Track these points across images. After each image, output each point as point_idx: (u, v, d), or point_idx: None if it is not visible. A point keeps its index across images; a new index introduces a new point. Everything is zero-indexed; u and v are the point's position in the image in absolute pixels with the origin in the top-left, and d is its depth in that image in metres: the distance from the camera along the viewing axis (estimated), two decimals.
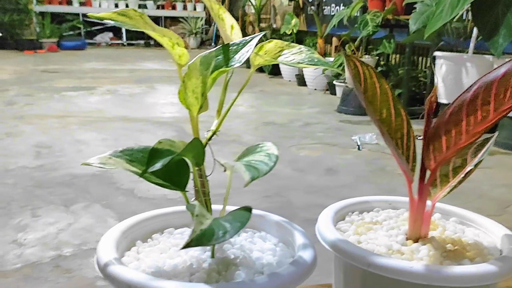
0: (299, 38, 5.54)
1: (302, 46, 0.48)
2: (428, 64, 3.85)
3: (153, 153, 0.41)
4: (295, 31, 5.29)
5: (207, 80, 0.45)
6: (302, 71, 4.87)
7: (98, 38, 9.90)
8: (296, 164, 2.36)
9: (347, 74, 3.79)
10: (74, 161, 2.30)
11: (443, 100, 3.06)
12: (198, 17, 9.81)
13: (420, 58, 4.16)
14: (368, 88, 0.49)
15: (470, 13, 2.90)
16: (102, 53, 8.32)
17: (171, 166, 0.40)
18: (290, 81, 5.20)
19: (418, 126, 3.32)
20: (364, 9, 3.94)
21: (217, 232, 0.32)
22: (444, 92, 3.03)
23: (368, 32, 3.47)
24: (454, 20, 2.94)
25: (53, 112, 3.41)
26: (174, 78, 5.33)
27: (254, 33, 3.88)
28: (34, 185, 1.94)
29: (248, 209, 0.36)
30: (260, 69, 5.77)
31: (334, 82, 4.28)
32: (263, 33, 0.50)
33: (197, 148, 0.41)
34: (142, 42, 10.01)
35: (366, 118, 3.53)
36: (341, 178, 2.20)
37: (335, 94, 4.33)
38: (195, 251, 0.41)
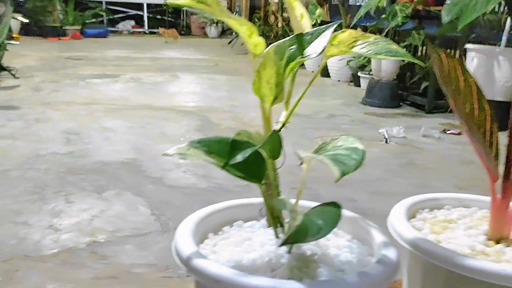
0: None
1: (378, 36, 0.47)
2: (457, 57, 3.77)
3: (234, 145, 0.40)
4: (319, 21, 5.24)
5: (281, 70, 0.44)
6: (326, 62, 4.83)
7: (120, 26, 9.94)
8: None
9: (373, 65, 3.74)
10: (102, 148, 2.32)
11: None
12: (198, 14, 9.75)
13: (448, 51, 4.08)
14: (453, 81, 0.47)
15: (505, 6, 2.83)
16: (124, 41, 8.36)
17: (248, 158, 0.39)
18: (313, 71, 5.16)
19: (446, 120, 3.26)
20: (392, 0, 3.87)
21: (311, 229, 0.31)
22: None
23: (397, 23, 3.41)
24: (488, 12, 2.87)
25: (79, 99, 3.44)
26: (196, 67, 5.33)
27: (277, 24, 3.89)
28: (66, 171, 1.96)
29: (337, 206, 0.35)
30: None
31: (359, 73, 4.23)
32: (338, 21, 0.48)
33: (275, 141, 0.41)
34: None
35: (392, 111, 3.49)
36: (369, 171, 2.18)
37: (359, 86, 4.28)
38: (270, 246, 0.41)
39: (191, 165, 2.10)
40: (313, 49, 0.43)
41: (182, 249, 0.38)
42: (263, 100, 0.45)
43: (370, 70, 4.10)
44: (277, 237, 0.41)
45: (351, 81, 4.46)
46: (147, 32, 10.03)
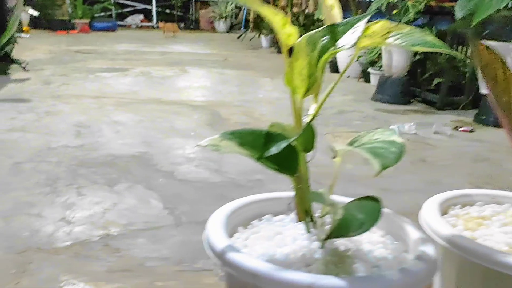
0: None
1: (412, 27, 0.46)
2: (468, 53, 3.73)
3: (268, 137, 0.39)
4: None
5: (313, 61, 0.43)
6: (335, 57, 4.79)
7: (129, 20, 9.94)
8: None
9: (384, 61, 3.71)
10: (113, 141, 2.32)
11: (485, 91, 2.97)
12: (228, 1, 9.73)
13: (459, 47, 4.03)
14: (491, 73, 0.46)
15: None
16: (133, 35, 8.36)
17: (282, 151, 0.38)
18: None
19: (457, 117, 3.24)
20: None
21: (353, 224, 0.30)
22: None
23: (408, 19, 3.38)
24: (502, 8, 2.83)
25: (89, 93, 3.45)
26: (205, 61, 5.32)
27: None
28: (77, 164, 1.96)
29: (376, 200, 0.34)
30: (291, 53, 5.71)
31: (369, 69, 4.20)
32: (372, 12, 0.47)
33: (309, 134, 0.40)
34: None
35: (402, 107, 3.46)
36: None
37: (369, 82, 4.25)
38: (302, 241, 0.40)
39: (202, 159, 2.09)
40: (346, 40, 0.41)
41: (215, 242, 0.37)
42: (295, 92, 0.43)
43: (381, 66, 4.06)
44: (308, 231, 0.40)
45: (361, 77, 4.43)
46: (155, 26, 10.02)
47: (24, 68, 4.13)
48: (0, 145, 2.15)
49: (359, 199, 0.36)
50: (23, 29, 5.86)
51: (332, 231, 0.30)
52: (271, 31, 6.53)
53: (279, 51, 6.29)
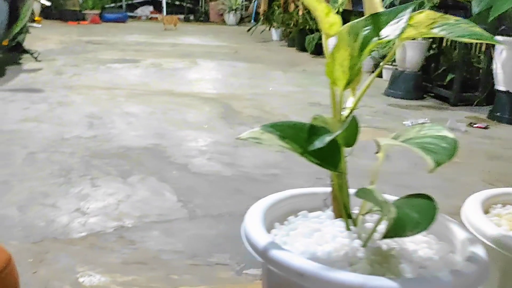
0: (343, 18, 5.39)
1: (459, 18, 0.44)
2: (483, 49, 3.68)
3: (312, 131, 0.38)
4: (341, 10, 5.16)
5: (355, 52, 0.41)
6: None
7: (139, 11, 9.93)
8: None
9: (397, 56, 3.67)
10: (125, 133, 2.32)
11: (501, 87, 2.93)
12: None
13: (474, 42, 3.98)
14: None
15: None
16: (143, 26, 8.35)
17: (324, 145, 0.37)
18: None
19: (471, 113, 3.20)
20: None
21: (408, 223, 0.29)
22: (503, 79, 2.89)
23: None
24: None
25: (100, 84, 3.45)
26: (216, 54, 5.30)
27: (298, 12, 3.80)
28: (90, 155, 1.96)
29: (429, 198, 0.33)
30: (303, 48, 5.67)
31: (381, 64, 4.15)
32: (416, 1, 0.45)
33: (353, 128, 0.38)
34: (182, 16, 9.98)
35: (415, 103, 3.43)
36: (395, 164, 2.14)
37: (381, 77, 4.21)
38: (342, 238, 0.39)
39: (216, 152, 2.08)
40: (390, 30, 0.40)
41: (257, 239, 0.36)
42: (335, 84, 0.42)
43: (393, 61, 4.02)
44: (348, 229, 0.39)
45: (372, 72, 4.40)
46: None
47: (36, 58, 4.14)
48: (14, 135, 2.16)
49: (408, 196, 0.35)
50: (35, 19, 5.87)
51: (388, 230, 0.29)
52: (281, 24, 6.49)
53: (290, 45, 6.25)
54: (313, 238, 0.39)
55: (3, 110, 2.54)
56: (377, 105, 3.32)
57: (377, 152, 0.39)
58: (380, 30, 0.41)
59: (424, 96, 3.62)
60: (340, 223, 0.41)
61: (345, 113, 0.46)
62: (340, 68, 0.41)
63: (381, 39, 0.41)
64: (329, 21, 0.40)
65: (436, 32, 0.41)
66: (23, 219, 1.40)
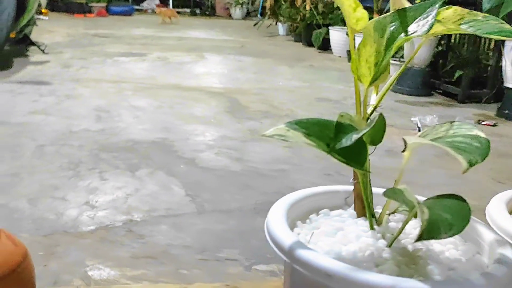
0: None
1: (487, 14, 0.43)
2: (491, 46, 3.65)
3: (339, 129, 0.37)
4: None
5: (381, 49, 0.41)
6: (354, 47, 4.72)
7: (145, 4, 9.91)
8: None
9: (405, 52, 3.65)
10: (132, 126, 2.32)
11: (509, 84, 2.91)
12: None
13: (483, 39, 3.95)
14: None
15: None
16: (149, 20, 8.33)
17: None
18: (340, 57, 5.06)
19: (480, 111, 3.18)
20: None
21: (442, 225, 0.29)
22: None
23: None
24: None
25: (108, 77, 3.45)
26: (222, 48, 5.29)
27: (305, 7, 3.77)
28: (98, 149, 1.96)
29: (460, 199, 0.32)
30: (309, 43, 5.65)
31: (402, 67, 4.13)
32: None
33: (380, 126, 0.38)
34: (188, 10, 9.97)
35: (423, 99, 3.41)
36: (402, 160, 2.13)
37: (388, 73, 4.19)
38: (367, 238, 0.38)
39: (223, 147, 2.08)
40: (418, 26, 0.39)
41: (281, 238, 0.36)
42: (360, 80, 0.42)
43: (401, 57, 4.00)
44: (371, 228, 0.38)
45: None
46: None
47: (43, 50, 4.14)
48: (23, 128, 2.16)
49: (438, 197, 0.34)
50: (42, 12, 5.87)
51: (423, 232, 0.28)
52: (288, 18, 6.46)
53: (296, 40, 6.23)
54: (336, 237, 0.38)
55: (12, 103, 2.55)
56: (384, 101, 3.28)
57: (403, 151, 0.38)
58: (407, 26, 0.40)
59: (432, 92, 3.60)
60: (363, 223, 0.40)
61: (369, 110, 0.45)
62: (365, 64, 0.41)
63: (409, 35, 0.40)
64: (356, 16, 0.39)
65: (465, 28, 0.40)
66: (33, 212, 1.40)
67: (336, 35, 5.15)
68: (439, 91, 3.62)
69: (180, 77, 3.62)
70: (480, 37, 4.00)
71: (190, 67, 4.11)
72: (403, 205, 0.38)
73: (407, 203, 0.33)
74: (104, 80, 3.32)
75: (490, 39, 3.81)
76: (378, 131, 0.38)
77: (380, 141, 0.39)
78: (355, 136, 0.35)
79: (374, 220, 0.40)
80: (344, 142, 0.35)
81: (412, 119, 2.76)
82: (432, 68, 3.65)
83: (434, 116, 2.74)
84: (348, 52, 4.86)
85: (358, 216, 0.42)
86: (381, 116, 0.36)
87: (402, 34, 0.41)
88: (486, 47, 3.88)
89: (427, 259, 0.36)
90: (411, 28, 0.40)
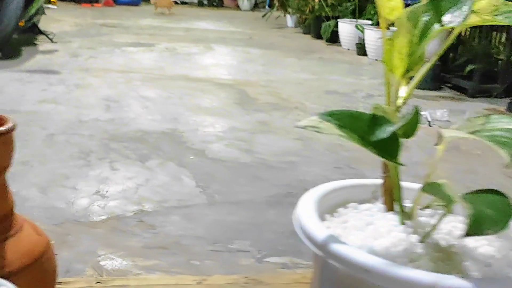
0: (359, 5, 5.32)
1: None
2: (503, 40, 3.61)
3: (374, 121, 0.36)
4: None
5: (414, 39, 0.40)
6: (363, 40, 4.69)
7: None
8: None
9: None
10: (142, 117, 2.31)
11: None
12: None
13: (494, 33, 3.91)
14: None
15: None
16: (156, 10, 8.30)
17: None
18: (349, 49, 5.03)
19: (490, 105, 3.14)
20: None
21: (486, 221, 0.28)
22: None
23: None
24: None
25: (116, 67, 3.44)
26: (230, 39, 5.26)
27: None
28: (108, 138, 1.96)
29: (501, 194, 0.31)
30: (318, 35, 5.61)
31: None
32: None
33: (415, 119, 0.37)
34: (195, 1, 9.92)
35: (433, 93, 3.38)
36: (413, 154, 2.11)
37: None
38: (398, 233, 0.37)
39: (233, 139, 2.07)
40: (453, 17, 0.38)
41: (315, 232, 0.35)
42: (392, 71, 0.40)
43: None
44: (402, 223, 0.37)
45: None
46: (178, 2, 9.94)
47: (51, 39, 4.13)
48: (33, 116, 2.16)
49: (477, 192, 0.33)
50: (51, 1, 5.86)
51: (469, 228, 0.27)
52: (297, 10, 6.41)
53: (305, 32, 6.19)
54: (367, 231, 0.38)
55: (21, 91, 2.55)
56: None
57: (437, 144, 0.37)
58: (441, 16, 0.39)
59: (442, 86, 3.57)
60: (392, 217, 0.39)
61: (399, 103, 0.44)
62: (398, 55, 0.40)
63: (443, 25, 0.39)
64: (390, 5, 0.38)
65: (500, 19, 0.39)
66: (44, 201, 1.41)
67: (345, 27, 5.11)
68: (448, 85, 3.59)
69: (188, 68, 3.61)
70: (492, 31, 3.96)
71: (198, 58, 4.10)
72: (439, 200, 0.37)
73: (446, 198, 0.32)
74: (113, 70, 3.31)
75: (502, 33, 3.76)
76: (412, 124, 0.37)
77: (413, 135, 0.38)
78: (391, 129, 0.34)
79: (406, 214, 0.39)
80: (379, 135, 0.34)
81: (422, 113, 2.73)
82: (442, 62, 3.61)
83: (445, 110, 2.72)
84: (357, 45, 4.83)
85: (388, 210, 0.41)
86: (416, 110, 0.35)
87: (437, 25, 0.39)
88: (497, 41, 3.84)
89: (463, 255, 0.35)
90: (445, 19, 0.39)
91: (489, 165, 2.06)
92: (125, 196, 1.48)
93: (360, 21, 5.08)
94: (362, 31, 4.70)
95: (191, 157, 1.84)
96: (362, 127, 0.37)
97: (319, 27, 5.55)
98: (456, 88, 3.51)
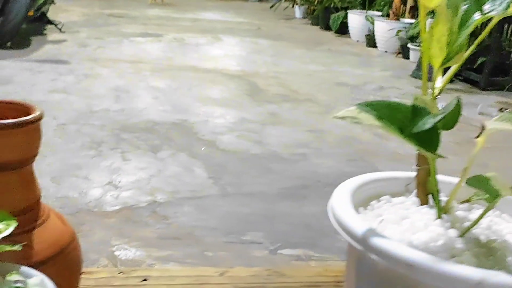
0: None
1: None
2: None
3: (415, 112, 0.35)
4: None
5: (454, 28, 0.38)
6: (373, 31, 4.64)
7: None
8: (376, 129, 2.27)
9: None
10: (152, 107, 2.31)
11: None
12: None
13: (506, 26, 3.86)
14: None
15: None
16: (151, 2, 8.25)
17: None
18: (358, 41, 4.99)
19: (502, 98, 3.10)
20: None
21: None
22: None
23: None
24: None
25: (125, 57, 3.43)
26: (238, 30, 5.24)
27: None
28: (119, 129, 1.95)
29: None
30: (327, 27, 5.57)
31: (409, 45, 4.06)
32: None
33: (456, 111, 0.36)
34: None
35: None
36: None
37: (408, 58, 4.12)
38: (436, 227, 0.37)
39: (243, 130, 2.06)
40: (494, 5, 0.37)
41: (354, 226, 0.34)
42: (430, 61, 0.39)
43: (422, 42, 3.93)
44: (439, 217, 0.36)
45: (399, 53, 4.30)
46: None
47: (60, 29, 4.13)
48: (43, 106, 2.14)
49: None
50: None
51: None
52: (305, 1, 6.36)
53: (314, 23, 6.14)
54: (403, 226, 0.37)
55: (32, 81, 2.55)
56: (404, 87, 3.26)
57: (477, 137, 0.36)
58: (481, 4, 0.38)
59: (453, 79, 3.54)
60: (427, 211, 0.38)
61: (435, 93, 0.43)
62: (437, 44, 0.38)
63: (485, 14, 0.38)
64: None
65: None
66: (57, 190, 1.41)
67: (354, 18, 5.06)
68: (460, 77, 3.56)
69: (197, 58, 3.59)
70: (503, 24, 3.90)
71: (207, 48, 4.08)
72: (482, 193, 0.36)
73: (492, 191, 0.31)
74: (122, 60, 3.30)
75: None
76: (453, 116, 0.36)
77: (453, 126, 0.37)
78: (433, 120, 0.33)
79: (443, 208, 0.38)
80: (422, 126, 0.33)
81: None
82: None
83: None
84: (367, 37, 4.78)
85: (422, 204, 0.40)
86: (458, 101, 0.34)
87: (477, 13, 0.38)
88: (509, 33, 3.79)
89: (504, 250, 0.34)
90: (486, 7, 0.38)
91: (501, 159, 2.04)
92: (138, 187, 1.48)
93: (370, 12, 5.03)
94: (372, 23, 4.66)
95: (203, 148, 1.84)
96: (401, 118, 0.36)
97: (328, 18, 5.50)
98: (467, 80, 3.47)
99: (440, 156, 0.36)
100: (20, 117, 0.41)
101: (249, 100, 2.55)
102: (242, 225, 1.31)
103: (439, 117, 0.34)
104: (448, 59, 0.40)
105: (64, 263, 0.45)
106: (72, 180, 1.47)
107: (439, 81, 0.43)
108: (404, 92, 3.12)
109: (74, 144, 1.74)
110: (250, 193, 1.49)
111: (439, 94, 0.44)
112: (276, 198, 1.47)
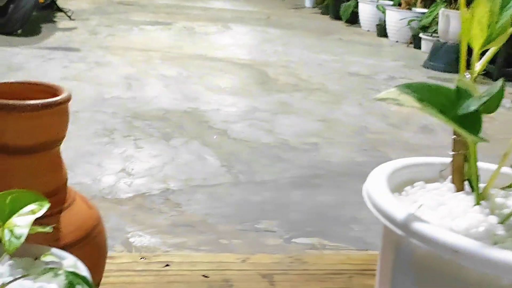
0: None
1: None
2: None
3: (459, 94, 0.34)
4: None
5: (495, 9, 0.37)
6: (384, 21, 4.59)
7: None
8: (388, 119, 2.25)
9: (440, 27, 3.54)
10: (164, 95, 2.30)
11: None
12: None
13: None
14: None
15: None
16: None
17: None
18: (368, 31, 4.94)
19: None
20: None
21: None
22: None
23: None
24: None
25: (135, 45, 3.42)
26: (248, 19, 5.20)
27: None
28: (131, 116, 1.95)
29: None
30: (337, 16, 5.52)
31: (421, 35, 4.01)
32: None
33: (499, 94, 0.35)
34: None
35: (456, 76, 3.31)
36: (439, 137, 2.08)
37: (419, 48, 4.07)
38: (475, 214, 0.35)
39: (254, 119, 2.05)
40: None
41: (394, 210, 0.33)
42: (470, 42, 0.38)
43: (433, 32, 3.88)
44: (477, 203, 0.35)
45: (410, 43, 4.25)
46: None
47: (70, 17, 4.12)
48: None
49: None
50: None
51: None
52: None
53: (324, 12, 6.09)
54: (440, 212, 0.36)
55: (43, 68, 2.55)
56: (416, 77, 3.23)
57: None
58: None
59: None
60: (464, 197, 0.37)
61: (474, 77, 0.42)
62: (478, 25, 0.37)
63: None
64: None
65: None
66: (71, 177, 1.39)
67: (365, 8, 5.01)
68: None
69: (207, 47, 3.57)
70: None
71: (217, 37, 4.06)
72: None
73: None
74: (132, 48, 3.29)
75: None
76: (496, 100, 0.34)
77: (495, 110, 0.36)
78: (478, 103, 0.32)
79: (481, 194, 0.37)
80: (466, 108, 0.32)
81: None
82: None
83: None
84: (378, 26, 4.73)
85: (457, 191, 0.39)
86: (502, 84, 0.33)
87: None
88: None
89: None
90: None
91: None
92: (151, 174, 1.48)
93: (381, 1, 4.97)
94: (384, 12, 4.60)
95: (214, 137, 1.83)
96: (442, 100, 0.35)
97: (338, 8, 5.45)
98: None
99: (483, 139, 0.35)
100: (47, 98, 0.41)
101: (260, 89, 2.54)
102: (256, 213, 1.31)
103: (484, 99, 0.33)
104: (489, 40, 0.38)
105: (90, 247, 0.45)
106: (85, 167, 1.48)
107: (478, 65, 0.42)
108: (416, 82, 3.08)
109: (87, 131, 1.74)
110: (262, 181, 1.49)
111: (476, 77, 0.43)
112: (288, 187, 1.47)
